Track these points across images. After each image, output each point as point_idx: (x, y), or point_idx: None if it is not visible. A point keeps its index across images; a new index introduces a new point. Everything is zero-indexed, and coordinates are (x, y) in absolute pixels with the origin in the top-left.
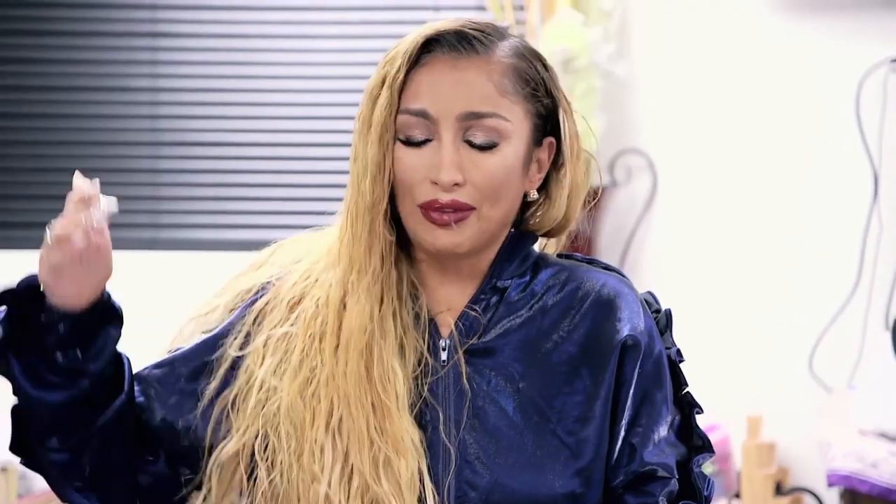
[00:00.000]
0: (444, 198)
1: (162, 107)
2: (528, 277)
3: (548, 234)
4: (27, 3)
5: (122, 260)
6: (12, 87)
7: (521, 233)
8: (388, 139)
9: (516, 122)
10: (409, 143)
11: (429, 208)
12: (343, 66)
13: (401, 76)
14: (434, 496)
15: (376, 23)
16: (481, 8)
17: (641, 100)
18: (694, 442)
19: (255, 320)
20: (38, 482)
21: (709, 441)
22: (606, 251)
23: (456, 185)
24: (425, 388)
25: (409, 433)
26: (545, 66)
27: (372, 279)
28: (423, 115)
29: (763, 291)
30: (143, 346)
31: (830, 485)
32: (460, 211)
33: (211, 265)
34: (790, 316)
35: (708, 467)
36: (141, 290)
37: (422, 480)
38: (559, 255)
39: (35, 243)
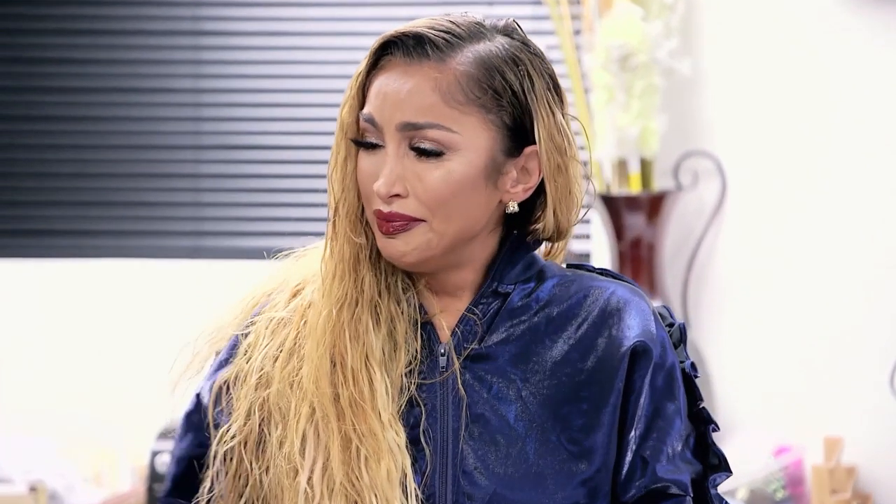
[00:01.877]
0: (386, 209)
1: (205, 108)
2: (532, 284)
3: (549, 240)
4: (62, 1)
5: (164, 269)
6: (48, 89)
7: (521, 236)
8: (349, 139)
9: (468, 133)
10: (362, 144)
11: (378, 217)
12: None
13: (361, 77)
14: (417, 497)
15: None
16: (537, 2)
17: (708, 98)
18: (710, 460)
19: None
20: (69, 502)
21: (725, 459)
22: (671, 260)
23: (397, 196)
24: (421, 394)
25: (391, 435)
26: (527, 72)
27: (335, 282)
28: (370, 121)
29: (841, 304)
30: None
31: None
32: (406, 221)
33: (256, 275)
34: (870, 331)
35: (780, 492)
36: (183, 300)
37: (405, 482)
38: (569, 266)
39: (78, 251)
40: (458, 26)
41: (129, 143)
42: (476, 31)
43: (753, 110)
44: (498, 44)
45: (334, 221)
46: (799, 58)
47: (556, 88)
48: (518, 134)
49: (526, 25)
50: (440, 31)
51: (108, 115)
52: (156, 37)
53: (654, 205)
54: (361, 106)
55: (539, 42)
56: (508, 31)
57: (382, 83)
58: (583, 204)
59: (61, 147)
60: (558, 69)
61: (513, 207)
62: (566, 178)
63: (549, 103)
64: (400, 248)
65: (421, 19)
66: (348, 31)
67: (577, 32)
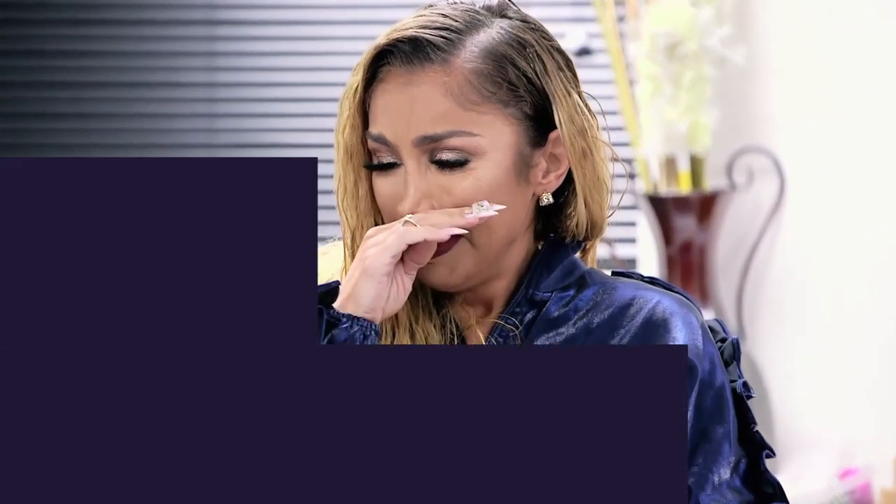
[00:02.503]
0: None
1: (219, 104)
2: (571, 292)
3: (585, 239)
4: None
5: None
6: (52, 83)
7: (559, 240)
8: (357, 163)
9: (491, 133)
10: (376, 167)
11: None
12: None
13: (359, 94)
14: None
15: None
16: None
17: (764, 90)
18: (763, 489)
19: None
20: None
21: (781, 488)
22: (725, 265)
23: None
24: None
25: None
26: (536, 54)
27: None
28: (382, 140)
29: None
30: None
31: None
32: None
33: None
34: None
35: None
36: None
37: None
38: (615, 273)
39: None
40: (453, 19)
41: (138, 142)
42: (473, 20)
43: (813, 103)
44: (498, 28)
45: (353, 251)
46: (863, 46)
47: (567, 65)
48: (541, 121)
49: (566, 12)
50: (436, 28)
51: (115, 112)
52: (167, 27)
53: (705, 206)
54: (364, 125)
55: (580, 30)
56: (503, 9)
57: (387, 98)
58: (615, 190)
59: (66, 146)
60: (601, 59)
61: (547, 199)
62: (592, 162)
63: (563, 84)
64: (447, 279)
65: (408, 19)
66: (374, 20)
67: (621, 19)
